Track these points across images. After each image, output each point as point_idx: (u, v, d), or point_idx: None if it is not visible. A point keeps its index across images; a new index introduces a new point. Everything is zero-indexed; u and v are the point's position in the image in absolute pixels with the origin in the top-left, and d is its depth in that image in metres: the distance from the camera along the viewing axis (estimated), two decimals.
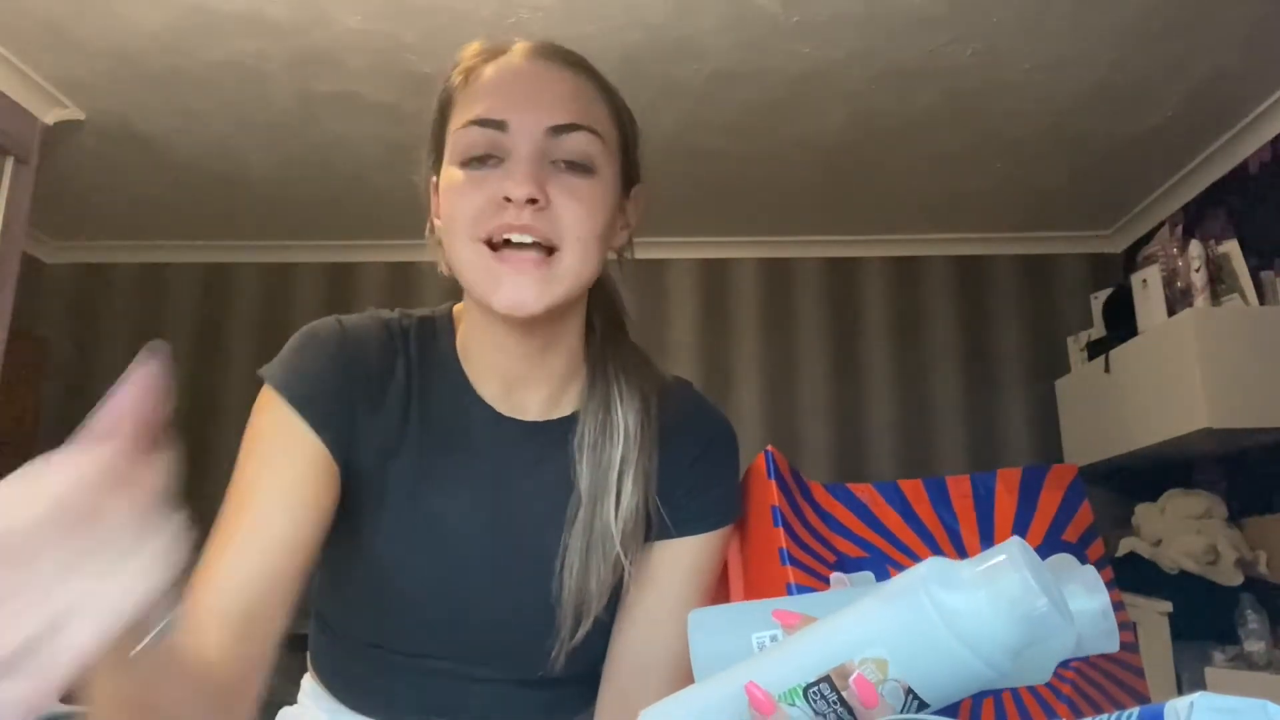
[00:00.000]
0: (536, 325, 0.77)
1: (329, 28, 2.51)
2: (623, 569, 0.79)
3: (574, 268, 0.73)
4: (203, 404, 3.88)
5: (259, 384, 0.77)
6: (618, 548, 0.77)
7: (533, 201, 0.70)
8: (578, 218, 0.72)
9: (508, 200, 0.71)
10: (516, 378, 0.81)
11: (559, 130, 0.73)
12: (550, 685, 0.84)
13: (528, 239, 0.71)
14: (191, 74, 2.72)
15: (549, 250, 0.72)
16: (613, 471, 0.78)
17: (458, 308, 0.86)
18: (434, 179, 0.82)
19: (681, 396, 0.88)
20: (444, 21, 2.48)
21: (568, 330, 0.82)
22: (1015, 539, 0.47)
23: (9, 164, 2.83)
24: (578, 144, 0.74)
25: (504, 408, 0.82)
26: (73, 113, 2.92)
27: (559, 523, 0.79)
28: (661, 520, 0.82)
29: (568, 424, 0.82)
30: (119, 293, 4.05)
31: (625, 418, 0.80)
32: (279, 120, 2.99)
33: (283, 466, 0.73)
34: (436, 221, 0.81)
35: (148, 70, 2.70)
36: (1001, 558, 0.46)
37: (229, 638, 0.66)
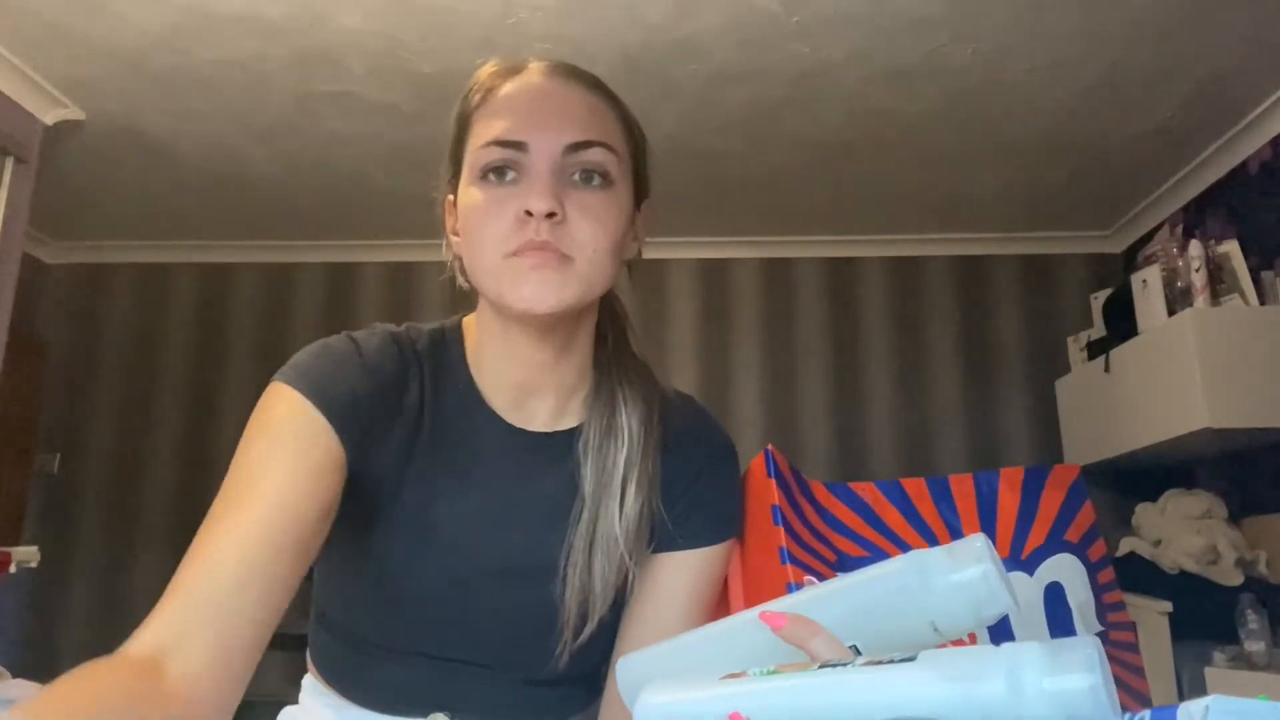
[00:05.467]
0: (551, 331, 0.79)
1: (329, 28, 2.51)
2: (627, 571, 0.80)
3: (587, 274, 0.75)
4: (203, 404, 3.89)
5: (262, 387, 0.76)
6: (621, 549, 0.79)
7: (551, 215, 0.73)
8: (593, 232, 0.75)
9: (528, 214, 0.73)
10: (528, 387, 0.83)
11: (576, 147, 0.76)
12: (553, 684, 0.85)
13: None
14: (191, 74, 2.72)
15: (565, 256, 0.75)
16: (617, 474, 0.80)
17: (467, 320, 0.88)
18: (450, 197, 0.83)
19: (685, 410, 0.90)
20: (444, 21, 2.47)
21: (580, 339, 0.84)
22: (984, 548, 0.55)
23: (9, 164, 2.83)
24: (593, 158, 0.76)
25: (513, 418, 0.84)
26: (73, 113, 2.92)
27: (564, 526, 0.81)
28: (665, 532, 0.83)
29: (574, 434, 0.84)
30: (119, 293, 4.05)
31: (629, 421, 0.82)
32: (279, 120, 2.99)
33: (295, 454, 0.70)
34: (454, 238, 0.83)
35: (148, 70, 2.70)
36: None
37: (206, 629, 0.61)
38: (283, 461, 0.70)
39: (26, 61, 2.69)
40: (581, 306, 0.78)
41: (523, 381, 0.83)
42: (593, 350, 0.86)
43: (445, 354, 0.84)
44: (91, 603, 3.75)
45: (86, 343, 3.99)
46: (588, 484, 0.81)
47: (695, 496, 0.85)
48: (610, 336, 0.88)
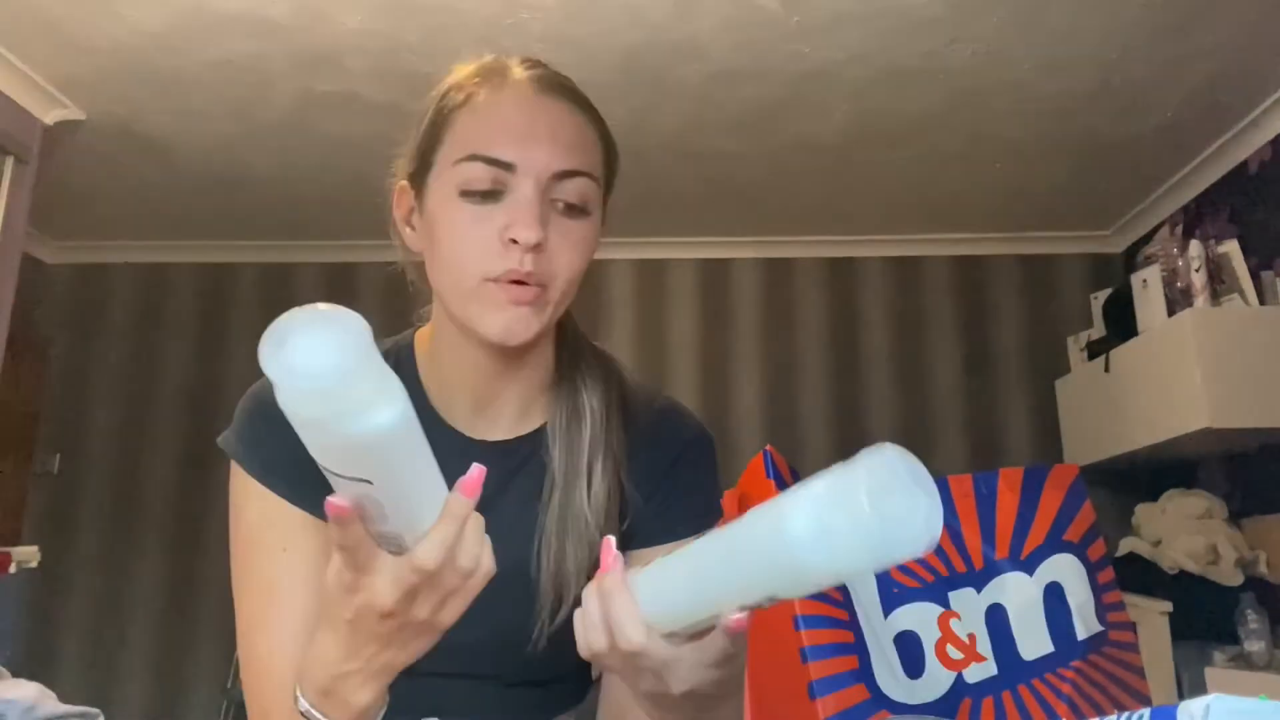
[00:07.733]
0: (517, 348, 0.80)
1: (329, 28, 2.51)
2: (599, 553, 0.80)
3: (557, 301, 0.77)
4: (203, 404, 3.88)
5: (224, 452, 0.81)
6: (592, 528, 0.79)
7: (537, 246, 0.74)
8: (569, 262, 0.77)
9: (513, 241, 0.74)
10: (489, 396, 0.83)
11: (563, 175, 0.76)
12: (536, 685, 0.85)
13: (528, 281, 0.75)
14: (191, 74, 2.72)
15: (541, 286, 0.76)
16: (584, 454, 0.81)
17: (419, 334, 0.88)
18: (404, 183, 0.83)
19: (658, 401, 0.90)
20: (444, 21, 2.47)
21: (543, 347, 0.84)
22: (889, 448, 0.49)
23: (9, 164, 2.83)
24: (577, 188, 0.77)
25: (473, 430, 0.84)
26: (73, 113, 2.92)
27: (533, 518, 0.81)
28: (645, 526, 0.83)
29: (537, 437, 0.84)
30: (119, 293, 4.05)
31: (590, 400, 0.83)
32: (279, 120, 2.99)
33: (288, 551, 0.77)
34: (407, 231, 0.84)
35: (148, 70, 2.70)
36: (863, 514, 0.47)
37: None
38: (283, 568, 0.76)
39: (26, 61, 2.69)
40: (547, 330, 0.80)
41: (483, 390, 0.83)
42: (555, 349, 0.87)
43: (396, 373, 0.84)
44: (91, 603, 3.74)
45: (86, 343, 3.99)
46: (557, 465, 0.81)
47: (671, 487, 0.85)
48: (568, 328, 0.89)
